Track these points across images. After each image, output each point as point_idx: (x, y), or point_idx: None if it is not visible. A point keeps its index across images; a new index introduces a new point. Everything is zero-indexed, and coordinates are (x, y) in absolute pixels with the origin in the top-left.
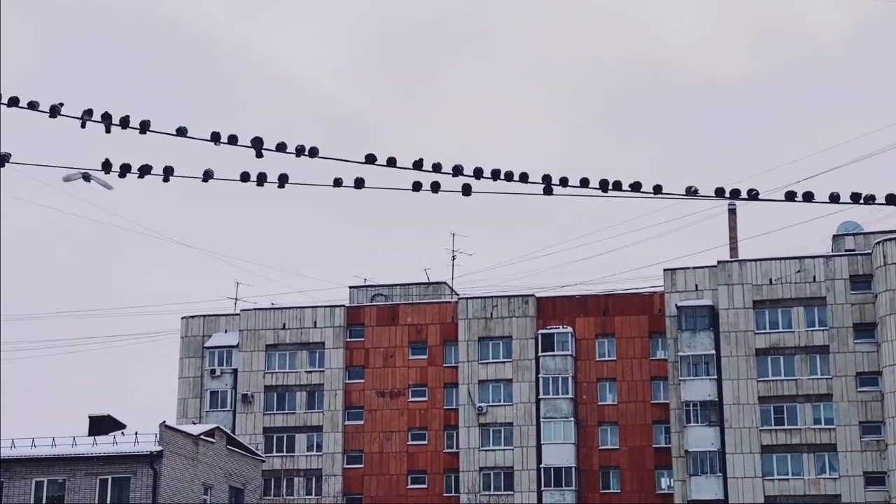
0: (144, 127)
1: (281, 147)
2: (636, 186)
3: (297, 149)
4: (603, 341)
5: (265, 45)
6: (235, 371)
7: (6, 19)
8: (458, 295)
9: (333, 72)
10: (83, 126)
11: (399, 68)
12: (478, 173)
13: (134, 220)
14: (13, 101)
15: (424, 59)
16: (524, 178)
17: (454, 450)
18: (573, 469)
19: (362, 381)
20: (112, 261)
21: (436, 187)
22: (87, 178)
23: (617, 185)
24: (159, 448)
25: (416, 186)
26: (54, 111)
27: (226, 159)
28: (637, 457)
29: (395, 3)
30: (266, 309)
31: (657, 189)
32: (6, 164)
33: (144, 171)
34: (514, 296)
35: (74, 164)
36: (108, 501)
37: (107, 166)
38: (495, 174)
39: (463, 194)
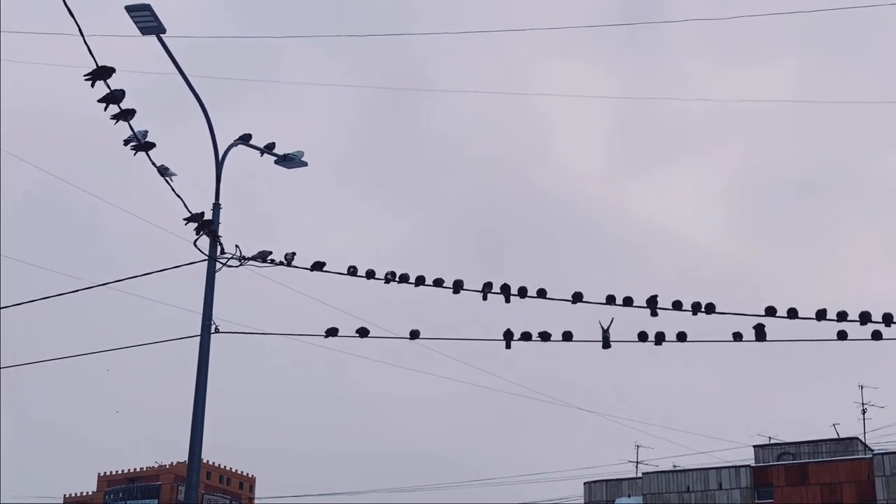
0: (541, 294)
1: (677, 305)
2: None
3: (693, 306)
4: None
5: (644, 204)
6: None
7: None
8: (871, 451)
9: (714, 226)
10: (485, 298)
11: (781, 219)
12: (887, 319)
13: (530, 385)
14: (420, 280)
15: (806, 209)
16: None
17: None
18: None
19: None
20: (511, 427)
21: (842, 336)
22: None
23: None
24: None
25: (825, 336)
26: (458, 287)
27: (621, 320)
28: None
29: (765, 156)
30: (669, 471)
31: None
32: (420, 337)
33: (545, 337)
34: None
35: (476, 335)
36: None
37: (508, 335)
38: None
39: (872, 339)
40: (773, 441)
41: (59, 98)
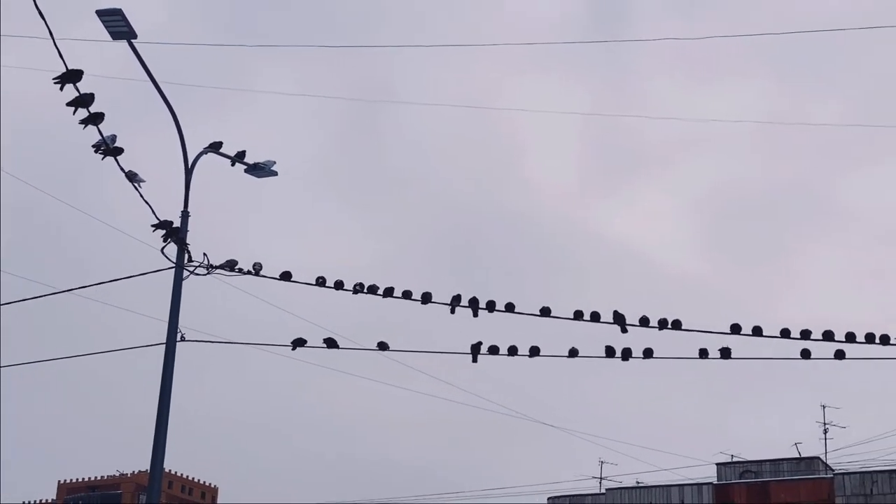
0: (510, 308)
1: (644, 321)
2: None
3: (659, 322)
4: None
5: (612, 221)
6: None
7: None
8: (832, 470)
9: (682, 244)
10: (452, 311)
11: (748, 238)
12: (850, 338)
13: (497, 400)
14: (388, 292)
15: (772, 229)
16: None
17: None
18: None
19: None
20: (475, 441)
21: (806, 354)
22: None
23: None
24: None
25: (789, 355)
26: (426, 299)
27: (588, 336)
28: None
29: (733, 176)
30: (632, 488)
31: None
32: (388, 349)
33: (512, 351)
34: None
35: (445, 348)
36: None
37: (475, 349)
38: (869, 338)
39: (835, 358)
40: (735, 459)
41: (26, 101)
